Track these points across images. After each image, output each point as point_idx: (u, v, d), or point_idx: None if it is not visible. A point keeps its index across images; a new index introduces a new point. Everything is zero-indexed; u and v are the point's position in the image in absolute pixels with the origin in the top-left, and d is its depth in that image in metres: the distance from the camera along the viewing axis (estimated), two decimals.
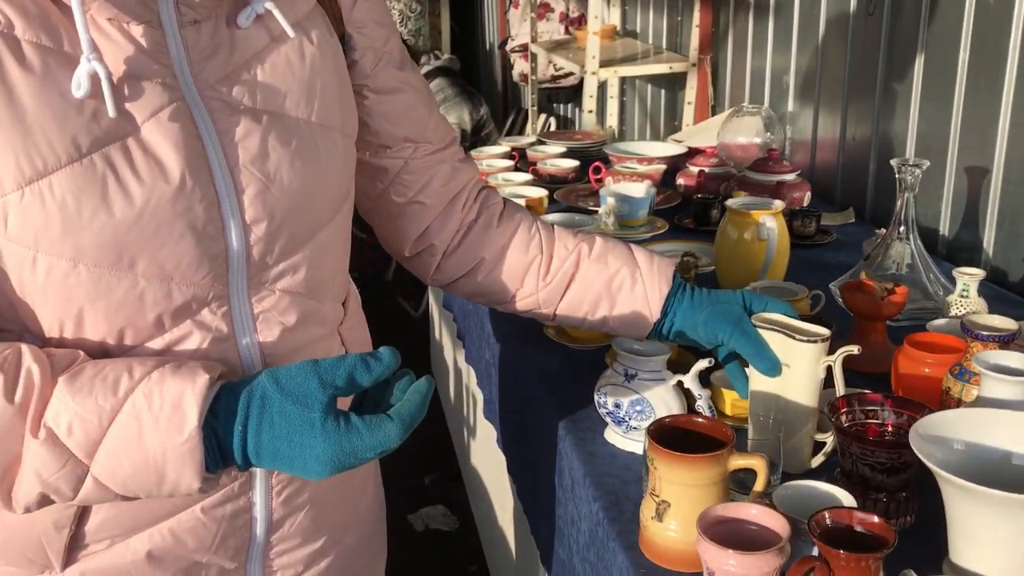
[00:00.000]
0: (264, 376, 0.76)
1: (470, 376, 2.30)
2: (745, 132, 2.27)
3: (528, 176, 2.28)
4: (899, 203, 1.53)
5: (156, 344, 0.82)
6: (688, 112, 3.00)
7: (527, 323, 1.61)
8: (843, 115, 2.26)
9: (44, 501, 0.76)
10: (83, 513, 0.85)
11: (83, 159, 0.76)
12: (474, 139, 4.26)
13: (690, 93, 2.99)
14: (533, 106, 4.05)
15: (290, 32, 0.87)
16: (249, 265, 0.85)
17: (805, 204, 2.08)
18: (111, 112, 0.76)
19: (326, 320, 0.95)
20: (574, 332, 1.47)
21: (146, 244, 0.79)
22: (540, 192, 2.06)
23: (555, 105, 4.59)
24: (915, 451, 0.85)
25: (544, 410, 1.36)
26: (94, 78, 0.76)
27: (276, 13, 0.86)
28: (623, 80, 3.56)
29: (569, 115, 4.64)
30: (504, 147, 2.61)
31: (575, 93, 4.30)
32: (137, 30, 0.80)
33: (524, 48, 4.10)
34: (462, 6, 6.67)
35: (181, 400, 0.74)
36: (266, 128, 0.85)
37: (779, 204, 1.60)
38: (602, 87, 3.35)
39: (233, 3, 0.86)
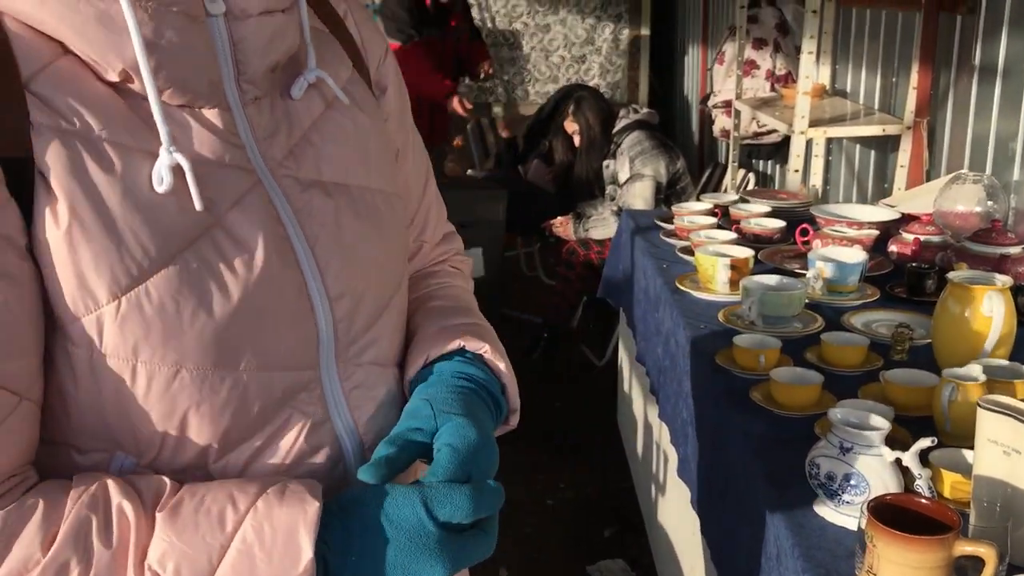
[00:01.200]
0: (372, 505, 0.73)
1: (662, 433, 2.30)
2: (965, 200, 2.18)
3: (732, 235, 2.27)
4: None
5: (258, 440, 0.78)
6: (900, 176, 2.90)
7: (730, 384, 1.61)
8: None
9: None
10: None
11: (177, 258, 0.72)
12: (669, 192, 4.26)
13: (903, 156, 2.89)
14: (734, 162, 4.03)
15: (343, 97, 0.86)
16: (336, 343, 0.82)
17: None
18: (198, 205, 0.72)
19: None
20: (782, 398, 1.46)
21: (246, 337, 0.75)
22: (746, 252, 2.05)
23: (755, 161, 4.54)
24: None
25: (748, 475, 1.36)
26: (176, 170, 0.72)
27: (328, 80, 0.84)
28: (829, 140, 3.49)
29: (768, 172, 4.58)
30: (706, 204, 2.62)
31: (776, 150, 4.24)
32: (210, 114, 0.76)
33: (727, 104, 4.08)
34: (662, 62, 6.73)
35: (294, 533, 0.70)
36: (337, 201, 0.83)
37: (1006, 280, 1.53)
38: (807, 146, 3.30)
39: (285, 75, 0.83)
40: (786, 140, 3.82)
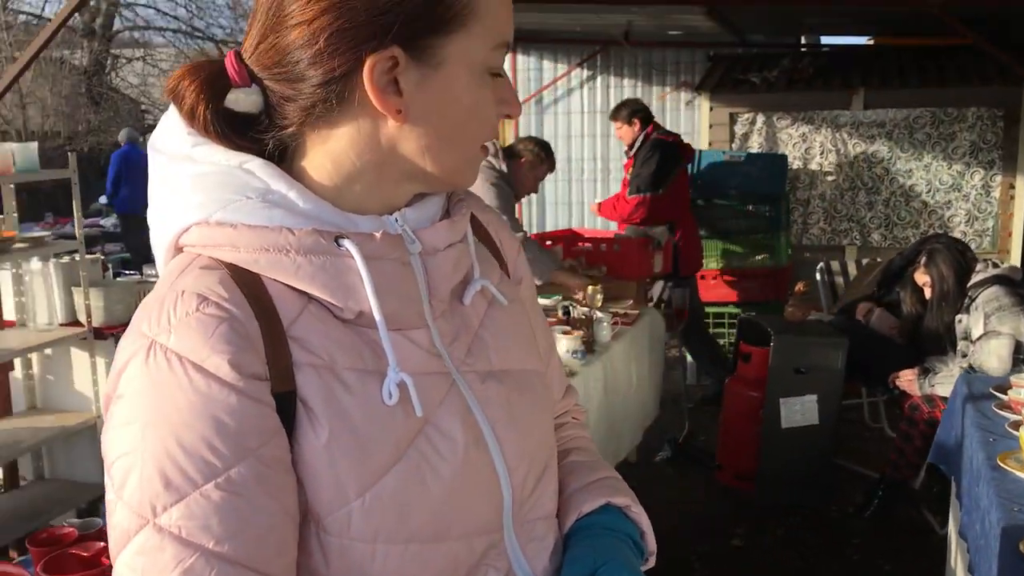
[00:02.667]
0: None
1: None
2: None
3: None
4: None
5: None
6: None
7: None
8: None
9: None
10: None
11: (403, 456, 0.85)
12: None
13: None
14: None
15: (500, 299, 1.00)
16: (515, 506, 0.94)
17: None
18: (419, 412, 0.86)
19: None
20: None
21: (455, 512, 0.88)
22: None
23: None
24: None
25: None
26: (401, 386, 0.85)
27: (490, 287, 0.99)
28: None
29: None
30: None
31: None
32: (414, 334, 0.90)
33: None
34: None
35: None
36: (506, 386, 0.96)
37: None
38: None
39: (454, 285, 0.97)
40: None
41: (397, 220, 0.90)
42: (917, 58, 6.79)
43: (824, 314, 5.43)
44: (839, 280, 6.07)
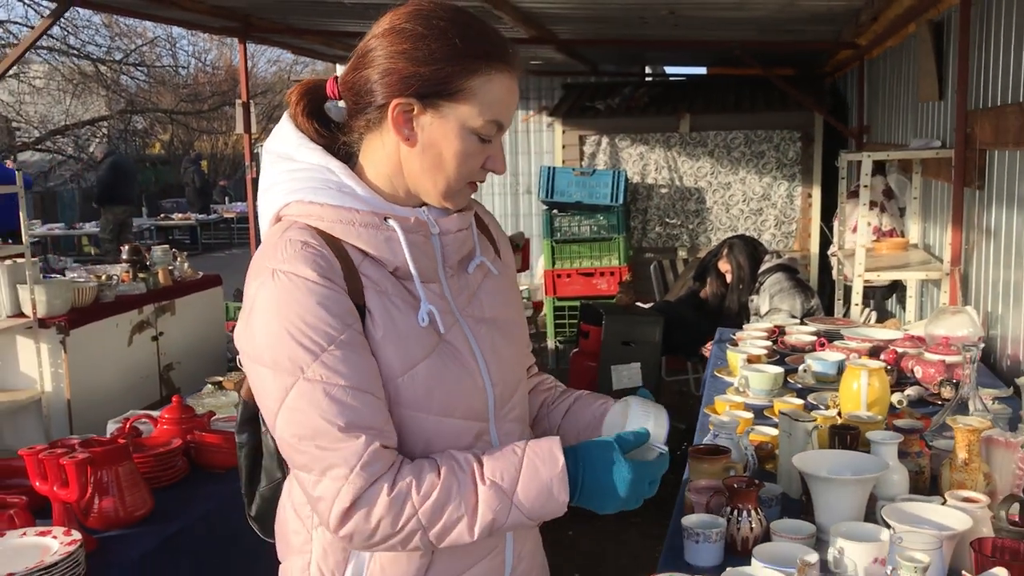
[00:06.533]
0: (581, 449, 1.24)
1: None
2: (947, 327, 3.01)
3: (768, 346, 3.22)
4: None
5: None
6: None
7: None
8: None
9: (489, 530, 1.19)
10: (433, 559, 1.29)
11: (429, 356, 1.25)
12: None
13: (944, 296, 3.68)
14: (856, 304, 4.87)
15: (494, 271, 1.40)
16: (495, 408, 1.33)
17: None
18: (442, 330, 1.27)
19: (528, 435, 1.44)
20: None
21: (458, 399, 1.27)
22: (760, 351, 3.00)
23: (871, 300, 5.33)
24: None
25: None
26: (430, 315, 1.26)
27: (487, 263, 1.39)
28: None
29: (888, 308, 5.33)
30: (768, 324, 3.57)
31: (890, 291, 5.04)
32: (433, 286, 1.29)
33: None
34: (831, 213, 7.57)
35: (553, 451, 1.21)
36: (492, 329, 1.35)
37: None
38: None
39: (463, 260, 1.35)
40: (895, 282, 4.64)
41: (424, 211, 1.30)
42: (738, 87, 8.01)
43: (658, 303, 6.52)
44: (671, 276, 7.22)
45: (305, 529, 1.32)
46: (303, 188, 1.26)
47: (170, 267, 5.30)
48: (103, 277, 4.94)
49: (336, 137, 1.30)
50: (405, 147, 1.25)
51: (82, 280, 4.84)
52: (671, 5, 5.25)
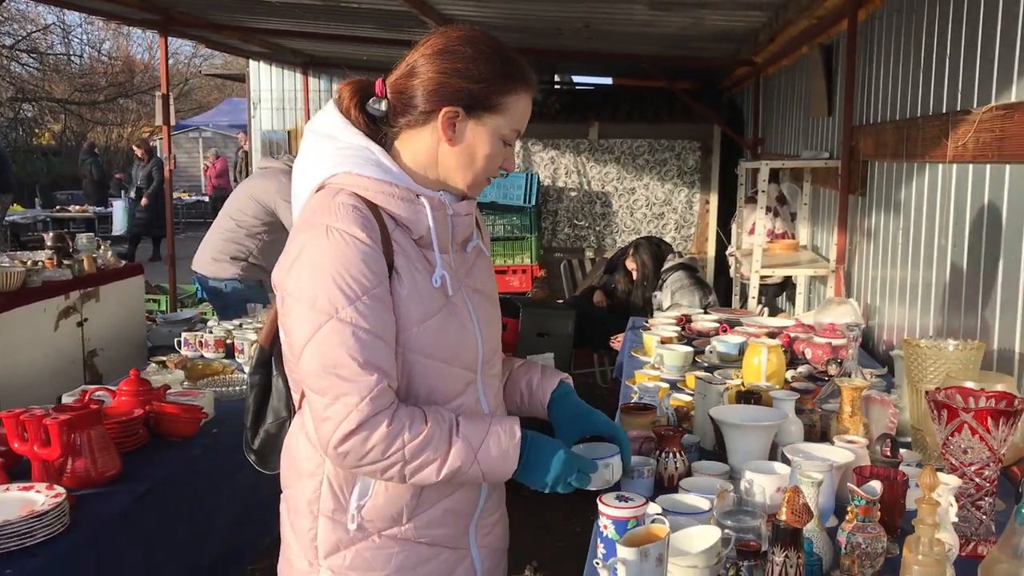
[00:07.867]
0: (532, 434, 1.51)
1: None
2: (832, 315, 3.42)
3: (677, 330, 3.59)
4: None
5: (455, 400, 1.54)
6: None
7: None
8: None
9: (451, 477, 1.44)
10: (421, 492, 1.54)
11: (439, 313, 1.49)
12: None
13: (830, 291, 4.12)
14: (754, 298, 5.31)
15: (486, 252, 1.69)
16: (483, 362, 1.59)
17: None
18: (451, 292, 1.52)
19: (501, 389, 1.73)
20: None
21: (458, 349, 1.52)
22: (670, 334, 3.35)
23: (764, 296, 5.79)
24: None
25: None
26: (443, 279, 1.50)
27: (481, 245, 1.66)
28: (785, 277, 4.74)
29: (780, 305, 5.81)
30: (676, 312, 3.94)
31: (781, 289, 5.50)
32: (445, 256, 1.53)
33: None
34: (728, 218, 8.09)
35: (513, 424, 1.49)
36: (483, 299, 1.61)
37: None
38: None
39: (464, 239, 1.60)
40: (787, 280, 5.08)
41: (443, 194, 1.55)
42: (643, 98, 8.46)
43: (568, 299, 6.87)
44: (579, 275, 7.59)
45: (318, 454, 1.54)
46: (350, 162, 1.49)
47: (94, 255, 5.35)
48: (28, 263, 4.97)
49: (378, 129, 1.54)
50: (446, 145, 1.50)
51: (7, 265, 4.86)
52: (586, 19, 5.60)
